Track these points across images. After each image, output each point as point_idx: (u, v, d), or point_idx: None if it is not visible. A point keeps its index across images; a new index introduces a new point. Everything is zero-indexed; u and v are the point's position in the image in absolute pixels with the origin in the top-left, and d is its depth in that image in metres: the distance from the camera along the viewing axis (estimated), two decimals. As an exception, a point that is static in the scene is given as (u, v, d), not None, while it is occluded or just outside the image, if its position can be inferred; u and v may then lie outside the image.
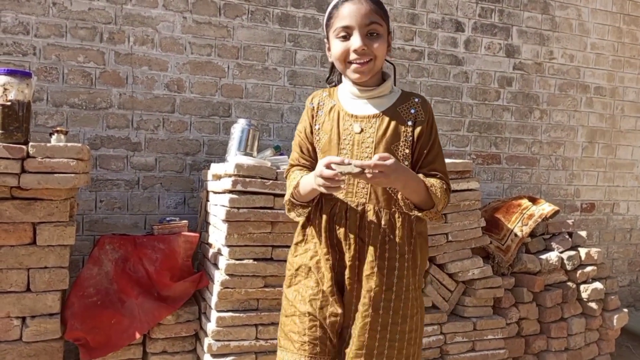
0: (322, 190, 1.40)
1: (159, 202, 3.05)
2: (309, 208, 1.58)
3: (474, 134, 3.85)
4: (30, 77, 2.20)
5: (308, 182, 1.49)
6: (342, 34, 1.48)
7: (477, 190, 2.81)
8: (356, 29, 1.46)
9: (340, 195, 1.54)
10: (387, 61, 1.63)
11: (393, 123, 1.52)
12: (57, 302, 2.17)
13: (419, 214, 1.50)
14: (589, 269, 3.18)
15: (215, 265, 2.43)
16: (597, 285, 3.18)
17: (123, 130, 2.95)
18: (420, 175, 1.49)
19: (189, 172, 3.10)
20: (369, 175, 1.32)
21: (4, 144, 2.07)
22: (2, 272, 2.10)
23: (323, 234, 1.55)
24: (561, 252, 3.16)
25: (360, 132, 1.52)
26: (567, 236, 3.27)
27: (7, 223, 2.10)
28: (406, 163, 1.52)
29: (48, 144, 2.14)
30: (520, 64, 3.95)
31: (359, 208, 1.52)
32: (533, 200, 3.28)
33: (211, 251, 2.54)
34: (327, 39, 1.58)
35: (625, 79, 4.33)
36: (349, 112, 1.56)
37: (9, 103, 2.12)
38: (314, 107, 1.63)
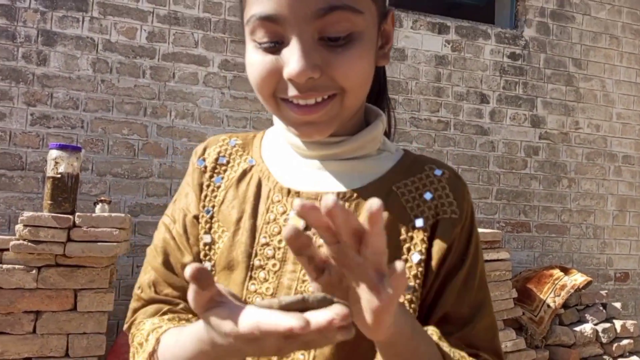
0: None
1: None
2: None
3: (502, 202, 3.87)
4: (80, 151, 2.35)
5: (192, 353, 0.57)
6: (264, 37, 0.62)
7: (507, 261, 2.82)
8: (294, 26, 0.60)
9: None
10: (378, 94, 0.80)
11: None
12: (94, 369, 2.22)
13: None
14: (625, 342, 3.11)
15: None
16: (635, 359, 3.09)
17: (162, 198, 3.07)
18: (444, 347, 0.64)
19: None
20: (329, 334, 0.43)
21: (53, 214, 2.19)
22: (43, 337, 2.17)
23: None
24: (596, 324, 3.10)
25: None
26: (601, 307, 3.21)
27: (50, 289, 2.19)
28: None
29: (93, 214, 2.26)
30: (546, 133, 4.02)
31: None
32: (565, 271, 3.26)
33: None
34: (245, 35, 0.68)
35: (653, 148, 4.35)
36: (284, 184, 0.72)
37: (59, 175, 2.27)
38: (205, 166, 0.77)
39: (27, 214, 2.18)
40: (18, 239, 2.15)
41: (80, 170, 2.38)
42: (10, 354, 2.12)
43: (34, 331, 2.16)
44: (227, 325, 0.47)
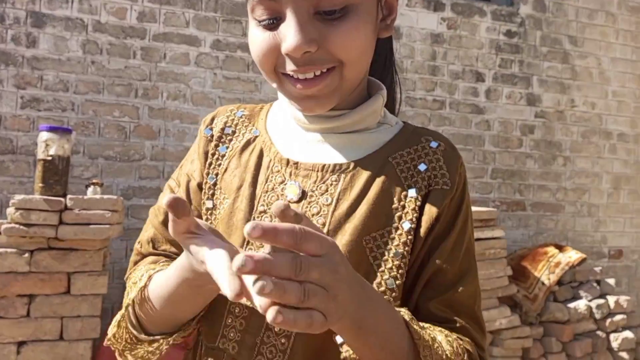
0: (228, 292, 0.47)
1: (187, 250, 3.11)
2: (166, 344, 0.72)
3: (498, 181, 3.87)
4: (71, 133, 2.33)
5: (175, 280, 0.64)
6: (263, 15, 0.65)
7: (502, 239, 2.82)
8: (290, 2, 0.63)
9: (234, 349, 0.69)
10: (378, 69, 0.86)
11: (377, 187, 0.71)
12: (89, 351, 2.22)
13: None
14: (618, 317, 3.13)
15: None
16: (628, 334, 3.11)
17: (154, 181, 3.05)
18: (405, 316, 0.63)
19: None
20: (264, 291, 0.42)
21: (44, 197, 2.18)
22: (37, 321, 2.17)
23: None
24: (590, 301, 3.12)
25: (299, 201, 0.71)
26: (595, 284, 3.23)
27: (44, 273, 2.18)
28: (397, 282, 0.68)
29: (85, 197, 2.25)
30: (541, 112, 3.99)
31: None
32: (559, 248, 3.27)
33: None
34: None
35: (649, 125, 4.34)
36: (285, 155, 0.75)
37: (49, 158, 2.25)
38: (211, 135, 0.80)
39: (18, 197, 2.16)
40: (10, 222, 2.14)
41: (71, 153, 2.36)
42: (5, 338, 2.12)
43: (28, 315, 2.16)
44: (201, 254, 0.54)
